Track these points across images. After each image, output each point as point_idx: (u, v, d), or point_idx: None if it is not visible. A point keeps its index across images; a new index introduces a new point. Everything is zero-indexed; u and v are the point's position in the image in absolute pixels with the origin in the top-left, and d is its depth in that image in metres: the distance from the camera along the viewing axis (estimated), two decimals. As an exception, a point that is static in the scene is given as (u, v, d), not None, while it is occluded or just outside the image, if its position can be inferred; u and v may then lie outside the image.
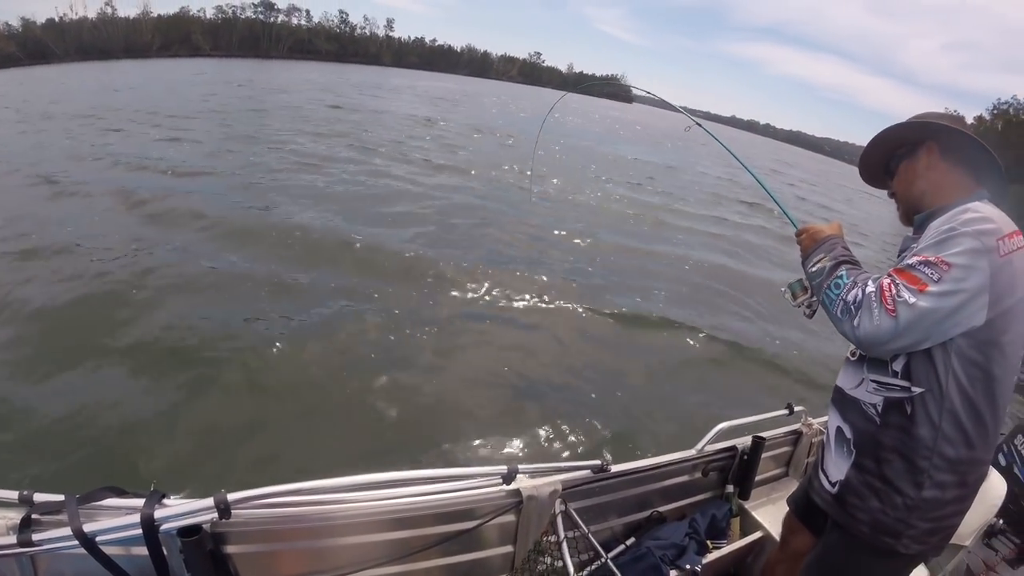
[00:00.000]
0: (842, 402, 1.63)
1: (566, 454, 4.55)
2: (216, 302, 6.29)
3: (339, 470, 1.51)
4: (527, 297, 7.42)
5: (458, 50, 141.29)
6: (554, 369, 5.86)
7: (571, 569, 1.95)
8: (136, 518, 1.28)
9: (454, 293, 7.23)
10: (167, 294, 6.32)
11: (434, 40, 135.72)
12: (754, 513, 2.84)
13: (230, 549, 1.50)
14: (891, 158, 1.68)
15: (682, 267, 10.42)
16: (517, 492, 1.91)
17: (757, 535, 2.70)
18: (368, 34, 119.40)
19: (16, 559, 1.33)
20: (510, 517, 1.96)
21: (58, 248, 7.25)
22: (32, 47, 60.46)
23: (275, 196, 10.67)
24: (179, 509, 1.33)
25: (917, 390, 1.41)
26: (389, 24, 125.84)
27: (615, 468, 2.25)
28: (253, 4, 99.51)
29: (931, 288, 1.30)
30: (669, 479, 2.58)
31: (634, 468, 2.37)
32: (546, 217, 12.20)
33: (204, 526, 1.37)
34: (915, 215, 1.62)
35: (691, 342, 7.17)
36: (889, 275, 1.39)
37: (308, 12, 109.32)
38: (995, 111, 45.64)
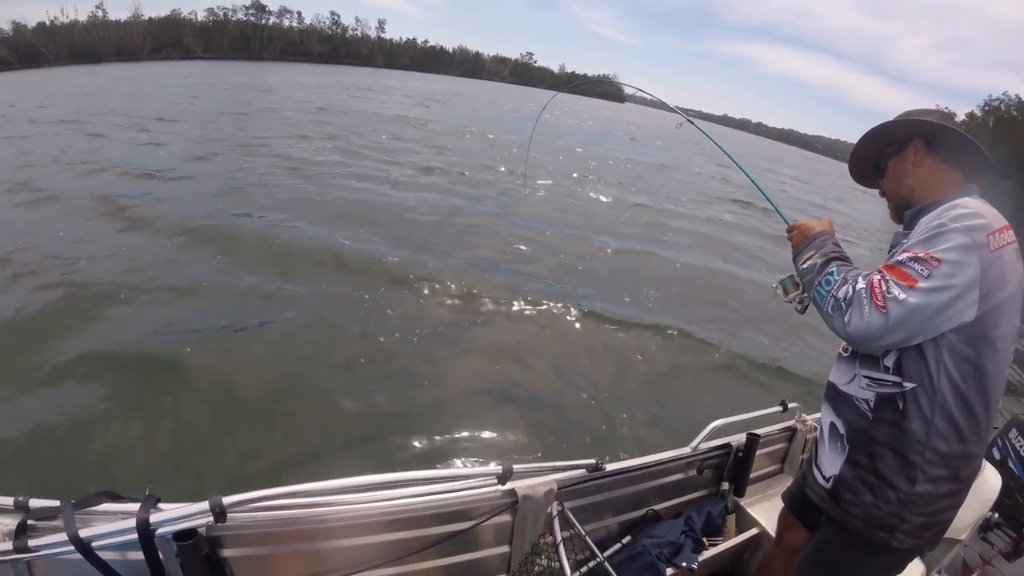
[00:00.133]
0: (835, 398, 1.64)
1: (561, 454, 4.55)
2: (208, 308, 6.26)
3: (334, 472, 1.51)
4: (518, 300, 7.41)
5: (450, 51, 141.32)
6: (547, 370, 5.86)
7: (567, 569, 1.95)
8: (132, 523, 1.28)
9: (445, 296, 7.21)
10: (154, 300, 6.29)
11: (426, 41, 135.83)
12: (750, 510, 2.84)
13: (226, 553, 1.49)
14: (880, 157, 1.69)
15: (673, 268, 10.43)
16: (512, 492, 1.91)
17: (753, 532, 2.72)
18: (360, 36, 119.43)
19: (12, 565, 1.32)
20: (506, 517, 1.96)
21: (31, 256, 7.17)
22: (23, 51, 60.22)
23: (258, 201, 10.56)
24: (174, 513, 1.33)
25: (909, 385, 1.42)
26: (381, 26, 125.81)
27: (610, 467, 2.26)
28: (244, 6, 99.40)
29: (921, 284, 1.31)
30: (664, 477, 2.58)
31: (629, 467, 2.37)
32: (537, 219, 12.16)
33: (200, 530, 1.37)
34: (905, 211, 1.63)
35: (683, 342, 7.18)
36: (879, 271, 1.40)
37: (300, 14, 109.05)
38: (986, 108, 45.79)
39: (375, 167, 15.23)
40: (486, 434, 4.75)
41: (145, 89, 33.03)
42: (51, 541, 1.27)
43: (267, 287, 6.78)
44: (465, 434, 4.70)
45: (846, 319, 1.39)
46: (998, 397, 1.44)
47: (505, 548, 2.02)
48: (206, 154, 14.53)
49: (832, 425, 1.64)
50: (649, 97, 3.10)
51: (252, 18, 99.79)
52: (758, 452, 2.83)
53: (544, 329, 6.78)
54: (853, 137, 1.76)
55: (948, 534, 1.61)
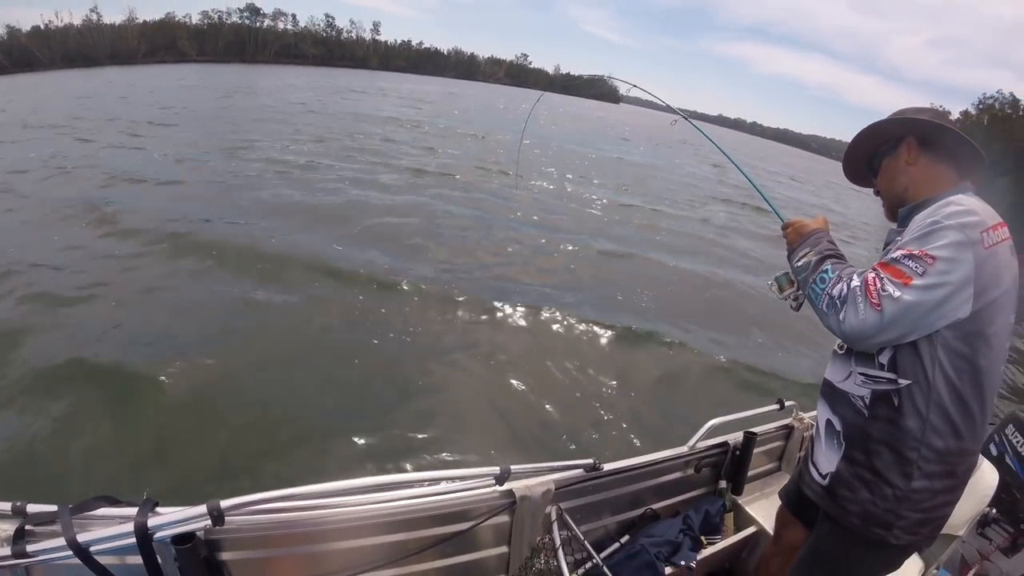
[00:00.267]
0: (831, 395, 1.64)
1: (558, 454, 4.56)
2: (202, 310, 6.26)
3: (331, 474, 1.51)
4: (512, 303, 7.39)
5: (445, 53, 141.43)
6: (543, 372, 5.86)
7: (565, 569, 1.95)
8: (130, 527, 1.28)
9: (438, 300, 7.18)
10: (148, 302, 6.32)
11: (421, 43, 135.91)
12: (748, 508, 2.85)
13: (224, 556, 1.49)
14: (873, 156, 1.70)
15: (666, 269, 10.39)
16: (510, 493, 1.91)
17: (751, 530, 2.72)
18: (355, 38, 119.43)
19: (11, 571, 1.32)
20: (504, 518, 1.96)
21: (6, 261, 7.13)
22: (18, 55, 60.18)
23: (245, 206, 10.49)
24: (172, 517, 1.32)
25: (904, 382, 1.42)
26: (375, 28, 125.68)
27: (608, 466, 2.26)
28: (239, 9, 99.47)
29: (916, 281, 1.31)
30: (662, 476, 2.58)
31: (626, 466, 2.37)
32: (529, 223, 12.13)
33: (198, 533, 1.37)
34: (899, 209, 1.63)
35: (679, 343, 7.17)
36: (874, 269, 1.40)
37: (294, 16, 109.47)
38: (980, 105, 45.87)
39: (366, 170, 15.17)
40: (483, 435, 4.75)
41: (138, 93, 32.94)
42: (49, 546, 1.27)
43: (258, 292, 6.75)
44: (462, 435, 4.70)
45: (841, 317, 1.40)
46: (993, 393, 1.44)
47: (504, 549, 2.02)
48: (194, 158, 14.44)
49: (828, 422, 1.64)
50: (644, 95, 3.11)
51: (247, 21, 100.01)
52: (755, 450, 2.82)
53: (538, 331, 6.78)
54: (848, 136, 1.77)
55: (946, 530, 1.61)
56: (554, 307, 7.46)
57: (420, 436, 4.59)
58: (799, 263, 1.63)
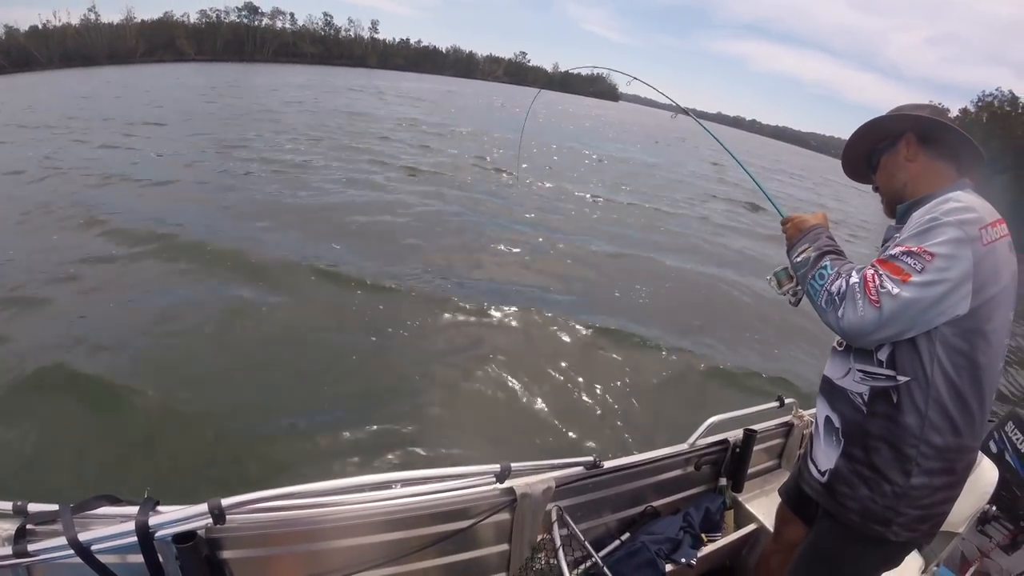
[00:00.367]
0: (830, 392, 1.64)
1: (559, 451, 4.55)
2: (201, 313, 6.26)
3: (332, 473, 1.51)
4: (511, 304, 7.38)
5: (443, 51, 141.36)
6: (543, 371, 5.85)
7: (565, 567, 1.95)
8: (131, 526, 1.27)
9: (437, 301, 7.15)
10: (138, 306, 6.30)
11: (419, 42, 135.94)
12: (748, 505, 2.85)
13: (225, 554, 1.49)
14: (872, 152, 1.70)
15: (665, 268, 10.36)
16: (511, 490, 1.92)
17: (751, 527, 2.72)
18: (353, 36, 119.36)
19: (12, 570, 1.32)
20: (505, 515, 1.96)
21: None
22: (16, 55, 60.16)
23: (237, 206, 10.42)
24: (173, 515, 1.32)
25: (903, 379, 1.43)
26: (374, 26, 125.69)
27: (608, 464, 2.26)
28: (237, 8, 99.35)
29: (914, 278, 1.31)
30: (662, 474, 2.58)
31: (627, 464, 2.37)
32: (528, 223, 12.07)
33: (199, 532, 1.36)
34: (898, 205, 1.63)
35: (678, 342, 7.18)
36: (872, 266, 1.41)
37: (292, 15, 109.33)
38: (980, 103, 45.77)
39: (361, 169, 15.05)
40: (483, 434, 4.75)
41: (133, 93, 32.91)
42: (50, 545, 1.27)
43: (251, 294, 6.72)
44: (462, 434, 4.70)
45: (839, 313, 1.40)
46: (992, 390, 1.44)
47: (504, 546, 2.02)
48: (185, 158, 14.33)
49: (827, 419, 1.65)
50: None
51: (245, 20, 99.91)
52: (755, 448, 2.83)
53: (538, 331, 6.76)
54: (847, 134, 1.77)
55: (946, 527, 1.62)
56: (553, 307, 7.46)
57: (421, 435, 4.58)
58: (798, 259, 1.63)
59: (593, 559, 2.05)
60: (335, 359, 5.50)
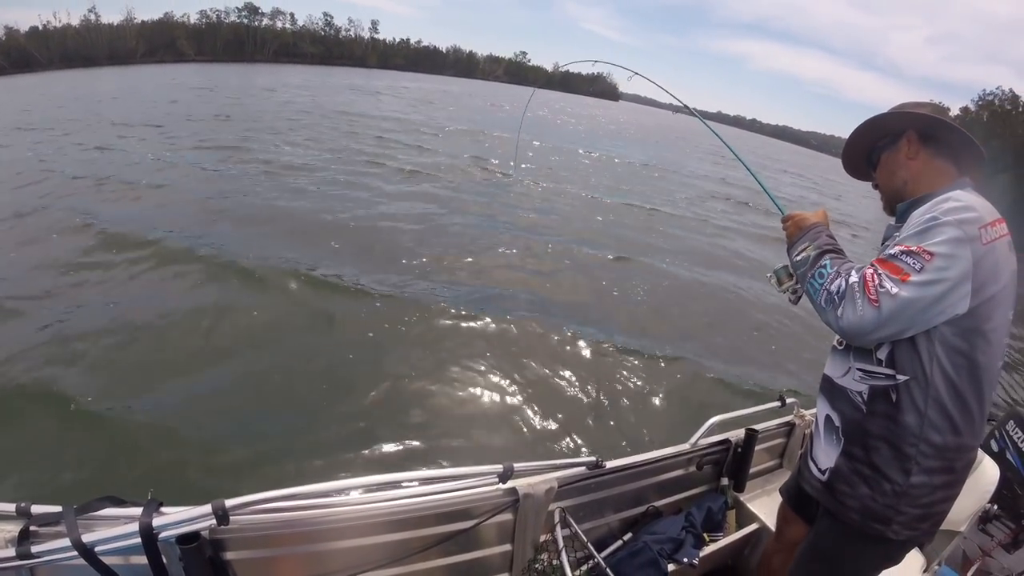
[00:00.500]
0: (830, 391, 1.64)
1: (561, 452, 4.56)
2: (193, 314, 6.27)
3: (335, 474, 1.52)
4: (513, 306, 7.39)
5: (444, 51, 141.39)
6: (545, 372, 5.84)
7: (568, 567, 1.96)
8: (135, 527, 1.28)
9: (438, 302, 7.14)
10: (134, 309, 6.30)
11: (419, 41, 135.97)
12: (749, 505, 2.85)
13: (229, 555, 1.50)
14: (872, 150, 1.70)
15: (664, 270, 10.34)
16: (514, 491, 1.92)
17: (753, 527, 2.72)
18: (353, 36, 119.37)
19: (16, 572, 1.33)
20: (507, 516, 1.96)
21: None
22: (16, 56, 60.20)
23: (229, 212, 10.26)
24: (177, 517, 1.33)
25: (902, 378, 1.43)
26: (374, 26, 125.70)
27: (610, 464, 2.26)
28: (237, 8, 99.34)
29: (913, 278, 1.31)
30: (664, 474, 2.59)
31: (629, 464, 2.37)
32: (529, 222, 12.07)
33: (203, 533, 1.37)
34: (898, 204, 1.63)
35: (680, 341, 7.21)
36: (872, 265, 1.41)
37: (293, 15, 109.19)
38: (980, 102, 45.73)
39: (356, 171, 14.81)
40: (486, 434, 4.76)
41: (132, 93, 32.80)
42: (54, 547, 1.28)
43: (250, 300, 6.68)
44: (465, 434, 4.71)
45: (839, 312, 1.40)
46: (992, 389, 1.44)
47: (507, 547, 2.02)
48: (179, 160, 14.14)
49: (828, 418, 1.65)
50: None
51: (245, 20, 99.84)
52: (757, 447, 2.83)
53: (538, 333, 6.73)
54: (847, 133, 1.78)
55: (948, 526, 1.62)
56: (553, 309, 7.47)
57: (423, 436, 4.59)
58: (798, 257, 1.63)
59: (595, 559, 2.05)
60: (336, 363, 5.50)
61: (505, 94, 77.83)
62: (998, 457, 3.12)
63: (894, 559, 1.64)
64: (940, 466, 1.45)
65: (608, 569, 2.01)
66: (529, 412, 5.08)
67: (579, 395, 5.50)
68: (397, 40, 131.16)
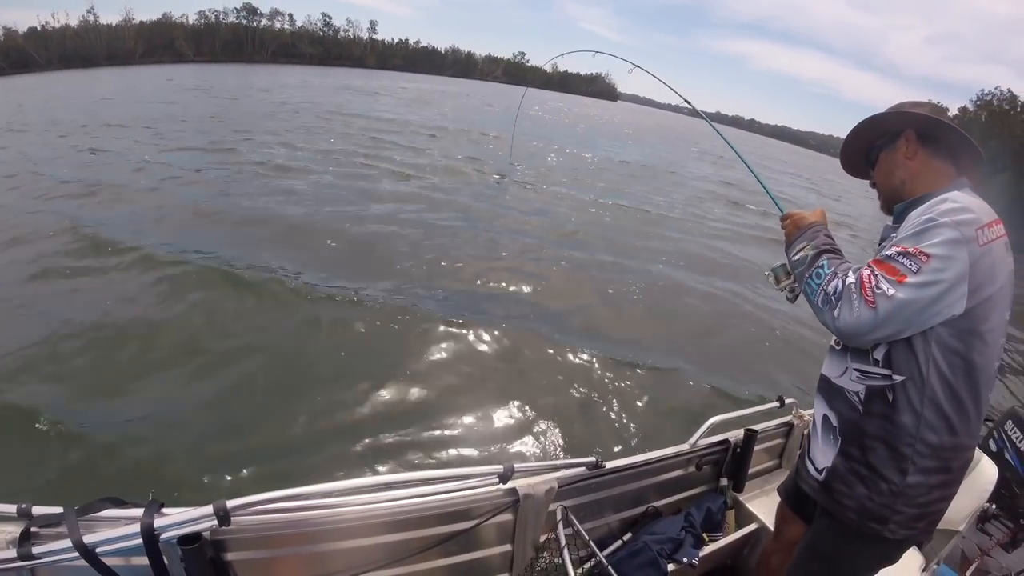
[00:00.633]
0: (828, 390, 1.65)
1: (561, 452, 4.56)
2: (197, 317, 6.27)
3: (336, 474, 1.52)
4: (512, 309, 7.41)
5: (442, 51, 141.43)
6: (543, 374, 5.85)
7: (570, 566, 1.96)
8: (136, 528, 1.28)
9: (437, 305, 7.14)
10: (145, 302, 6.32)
11: (418, 42, 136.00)
12: (749, 505, 2.86)
13: (230, 556, 1.50)
14: (871, 148, 1.70)
15: (663, 272, 10.28)
16: (514, 491, 1.92)
17: (752, 527, 2.73)
18: (352, 37, 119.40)
19: (17, 573, 1.33)
20: (507, 516, 1.96)
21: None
22: (15, 56, 60.16)
23: (225, 214, 10.12)
24: (178, 517, 1.33)
25: (899, 378, 1.43)
26: (372, 27, 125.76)
27: (610, 464, 2.26)
28: (236, 9, 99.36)
29: (910, 279, 1.32)
30: (663, 474, 2.59)
31: (628, 464, 2.38)
32: (527, 224, 12.03)
33: (204, 534, 1.37)
34: (895, 204, 1.63)
35: (678, 343, 7.21)
36: (869, 266, 1.41)
37: (291, 16, 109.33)
38: (979, 102, 45.73)
39: (350, 173, 14.56)
40: (486, 434, 4.75)
41: (129, 94, 32.76)
42: (55, 548, 1.28)
43: (251, 305, 6.67)
44: (465, 435, 4.71)
45: (836, 313, 1.41)
46: (988, 389, 1.45)
47: (507, 547, 2.03)
48: (172, 162, 13.90)
49: (825, 417, 1.66)
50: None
51: (243, 21, 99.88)
52: (756, 448, 2.83)
53: (537, 334, 6.73)
54: (845, 133, 1.78)
55: (946, 525, 1.63)
56: (552, 310, 7.49)
57: (424, 437, 4.59)
58: (796, 257, 1.64)
59: (597, 558, 2.05)
60: (335, 366, 5.49)
61: (502, 94, 77.66)
62: (996, 457, 3.13)
63: (891, 558, 1.65)
64: (936, 466, 1.46)
65: (610, 567, 2.01)
66: (528, 413, 5.08)
67: (578, 396, 5.50)
68: (395, 41, 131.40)
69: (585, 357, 6.24)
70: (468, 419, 4.92)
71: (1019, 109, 42.54)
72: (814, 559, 1.76)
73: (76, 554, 1.25)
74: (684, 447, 2.62)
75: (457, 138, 25.81)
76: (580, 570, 2.06)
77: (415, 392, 5.18)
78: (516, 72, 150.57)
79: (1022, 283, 2.59)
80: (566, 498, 2.16)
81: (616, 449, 4.67)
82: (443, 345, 6.09)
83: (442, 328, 6.43)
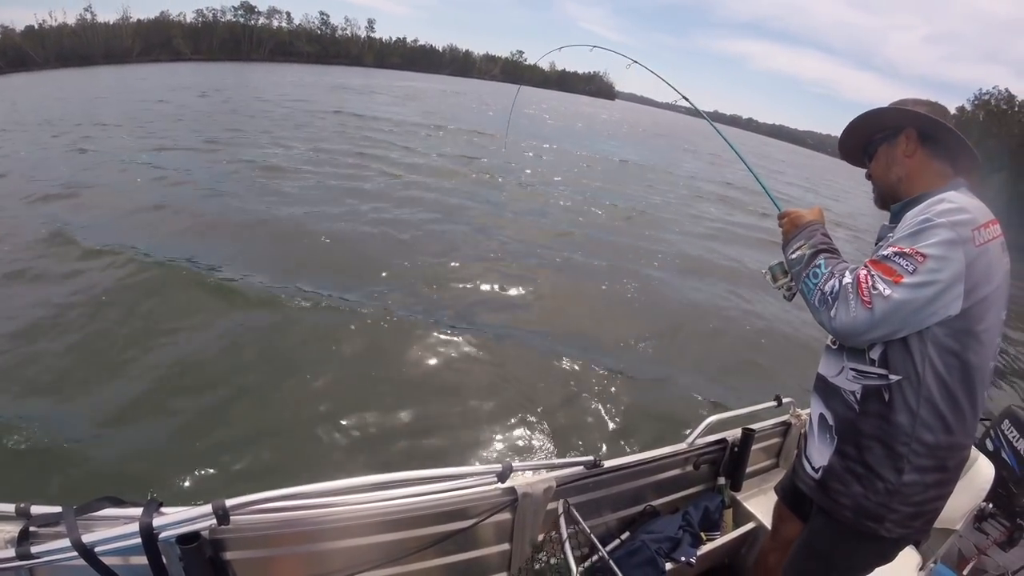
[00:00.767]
0: (824, 390, 1.66)
1: (559, 451, 4.57)
2: (198, 317, 6.26)
3: (334, 473, 1.52)
4: (510, 309, 7.43)
5: (440, 50, 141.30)
6: (544, 372, 5.85)
7: (573, 563, 1.97)
8: (135, 527, 1.28)
9: (436, 305, 7.12)
10: (148, 310, 6.30)
11: (416, 41, 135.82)
12: (746, 504, 2.87)
13: (229, 555, 1.50)
14: (870, 141, 1.70)
15: (661, 273, 10.29)
16: (512, 490, 1.92)
17: (750, 526, 2.74)
18: (350, 35, 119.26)
19: (15, 572, 1.33)
20: (506, 515, 1.97)
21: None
22: (12, 55, 59.99)
23: (217, 214, 10.00)
24: (177, 517, 1.33)
25: (895, 378, 1.44)
26: (370, 25, 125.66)
27: (608, 463, 2.27)
28: (233, 7, 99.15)
29: (906, 280, 1.33)
30: (661, 473, 2.60)
31: (626, 463, 2.38)
32: (524, 225, 12.01)
33: (203, 533, 1.37)
34: (891, 202, 1.64)
35: (677, 343, 7.22)
36: (865, 266, 1.42)
37: (289, 14, 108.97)
38: (976, 101, 45.70)
39: (344, 174, 14.35)
40: (485, 434, 4.75)
41: (123, 93, 32.63)
42: (54, 547, 1.28)
43: (258, 302, 6.70)
44: (464, 435, 4.70)
45: (832, 313, 1.41)
46: (984, 389, 1.46)
47: (505, 546, 2.03)
48: (165, 163, 13.64)
49: (821, 416, 1.66)
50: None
51: (241, 19, 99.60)
52: (753, 447, 2.84)
53: (536, 335, 6.74)
54: (845, 131, 1.79)
55: (943, 524, 1.63)
56: (550, 311, 7.50)
57: (422, 436, 4.59)
58: (793, 256, 1.64)
59: (593, 558, 2.06)
60: (334, 368, 5.48)
61: (499, 93, 77.46)
62: (993, 456, 3.14)
63: (887, 557, 1.65)
64: (932, 465, 1.46)
65: (612, 563, 2.01)
66: (526, 413, 5.07)
67: (575, 396, 5.50)
68: (394, 39, 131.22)
69: (582, 358, 6.23)
70: (466, 419, 4.92)
71: (1017, 109, 42.55)
72: (811, 557, 1.76)
73: (75, 553, 1.25)
74: (682, 446, 2.62)
75: (452, 137, 25.71)
76: (578, 569, 2.06)
77: (414, 393, 5.18)
78: (514, 71, 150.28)
79: (1018, 283, 2.60)
80: (564, 497, 2.16)
81: (614, 448, 4.68)
82: (440, 347, 6.08)
83: (439, 330, 6.41)
